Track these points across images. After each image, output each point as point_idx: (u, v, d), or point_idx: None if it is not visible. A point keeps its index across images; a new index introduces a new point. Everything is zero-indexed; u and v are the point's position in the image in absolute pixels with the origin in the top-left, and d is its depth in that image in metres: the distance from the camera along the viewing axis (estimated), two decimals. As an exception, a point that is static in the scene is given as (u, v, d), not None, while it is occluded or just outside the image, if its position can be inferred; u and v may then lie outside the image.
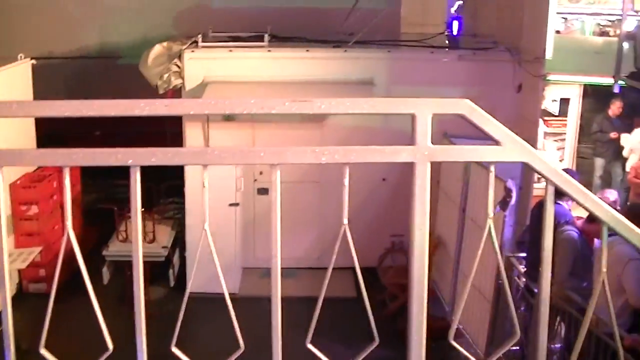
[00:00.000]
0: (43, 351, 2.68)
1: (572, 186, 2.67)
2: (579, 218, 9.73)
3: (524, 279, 10.11)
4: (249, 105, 2.43)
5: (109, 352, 2.71)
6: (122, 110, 2.47)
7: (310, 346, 2.77)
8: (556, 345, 9.36)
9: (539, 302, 2.82)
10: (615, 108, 15.47)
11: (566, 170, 9.55)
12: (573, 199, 2.73)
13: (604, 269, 2.88)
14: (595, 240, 9.30)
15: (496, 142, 2.55)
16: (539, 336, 2.81)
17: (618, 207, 9.98)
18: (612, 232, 2.79)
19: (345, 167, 2.57)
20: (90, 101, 2.45)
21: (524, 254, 10.51)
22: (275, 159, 2.49)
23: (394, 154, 2.53)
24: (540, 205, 9.75)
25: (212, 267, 2.75)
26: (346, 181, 2.59)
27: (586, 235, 9.22)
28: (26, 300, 12.53)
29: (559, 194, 2.71)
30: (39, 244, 13.24)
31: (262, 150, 2.50)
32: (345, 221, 2.62)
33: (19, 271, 13.18)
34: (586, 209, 2.75)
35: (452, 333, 2.98)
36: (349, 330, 9.64)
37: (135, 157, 2.47)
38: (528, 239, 10.40)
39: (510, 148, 2.56)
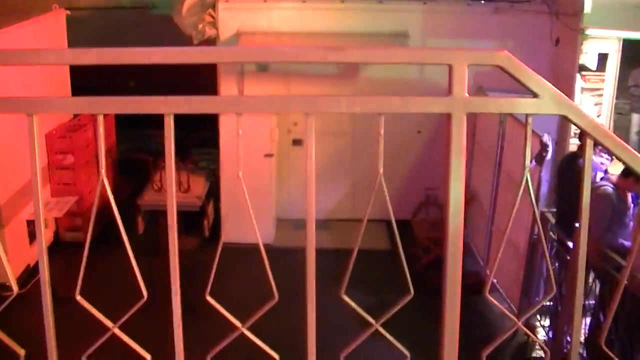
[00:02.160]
0: (79, 298, 2.70)
1: (611, 140, 2.63)
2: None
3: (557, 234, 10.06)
4: (283, 53, 2.40)
5: (143, 300, 2.73)
6: (157, 58, 2.45)
7: (344, 297, 2.77)
8: (590, 302, 9.33)
9: (575, 258, 2.79)
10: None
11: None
12: (612, 153, 2.69)
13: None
14: (630, 195, 9.25)
15: (534, 95, 2.51)
16: (576, 291, 2.78)
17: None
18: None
19: (380, 117, 2.54)
20: (124, 49, 2.43)
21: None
22: (309, 107, 2.47)
23: (430, 104, 2.50)
24: (569, 159, 9.66)
25: (246, 218, 2.74)
26: (382, 131, 2.56)
27: (621, 190, 9.15)
28: (62, 249, 12.70)
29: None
30: (75, 193, 13.37)
31: (297, 98, 2.47)
32: (381, 170, 2.60)
33: (56, 220, 13.33)
34: (624, 163, 2.71)
35: (487, 287, 2.97)
36: (382, 283, 9.66)
37: (169, 105, 2.46)
38: (557, 192, 10.34)
39: (548, 101, 2.51)
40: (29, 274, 11.40)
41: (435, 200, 13.70)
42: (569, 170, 9.91)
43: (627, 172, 8.94)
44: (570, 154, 10.90)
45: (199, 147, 15.54)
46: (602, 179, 9.50)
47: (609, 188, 9.11)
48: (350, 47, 2.41)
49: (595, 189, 9.05)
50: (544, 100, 2.51)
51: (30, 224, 12.23)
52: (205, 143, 15.19)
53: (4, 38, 11.54)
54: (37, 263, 2.61)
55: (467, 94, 2.49)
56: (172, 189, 2.58)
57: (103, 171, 2.55)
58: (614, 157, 2.87)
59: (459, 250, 2.59)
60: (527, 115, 2.59)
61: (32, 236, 12.24)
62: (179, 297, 2.66)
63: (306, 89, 13.16)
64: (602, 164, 9.59)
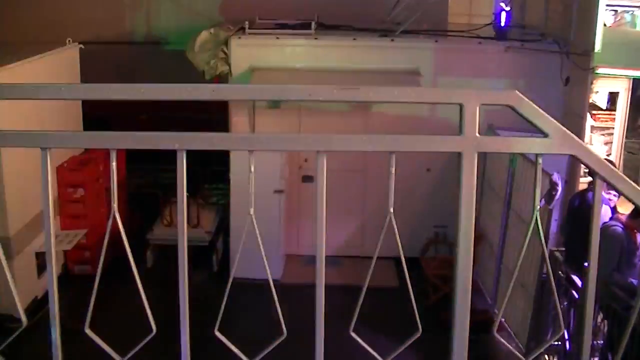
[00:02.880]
0: (88, 331, 2.71)
1: (620, 179, 2.64)
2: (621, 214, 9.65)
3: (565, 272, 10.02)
4: (297, 91, 2.42)
5: (152, 334, 2.73)
6: (169, 95, 2.48)
7: (353, 334, 2.77)
8: (599, 342, 9.27)
9: (584, 297, 2.79)
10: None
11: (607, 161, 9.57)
12: (621, 193, 2.69)
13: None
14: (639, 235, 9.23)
15: (544, 134, 2.53)
16: (584, 332, 2.78)
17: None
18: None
19: (392, 155, 2.55)
20: (139, 85, 2.46)
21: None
22: (321, 145, 2.49)
23: (441, 143, 2.52)
24: (579, 197, 9.61)
25: (255, 254, 2.75)
26: (392, 169, 2.57)
27: (630, 230, 9.13)
28: (71, 282, 12.67)
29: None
30: (85, 227, 13.38)
31: (308, 137, 2.49)
32: (391, 209, 2.61)
33: (65, 253, 13.33)
34: (633, 202, 2.71)
35: (495, 326, 2.97)
36: (390, 320, 9.61)
37: (182, 142, 2.48)
38: (566, 229, 10.31)
39: (558, 140, 2.53)
40: (37, 306, 11.38)
41: (444, 237, 13.66)
42: (578, 208, 9.89)
43: (637, 213, 8.93)
44: (580, 192, 10.88)
45: (210, 182, 15.55)
46: (611, 218, 9.48)
47: (619, 228, 9.09)
48: (362, 86, 2.43)
49: (604, 228, 9.02)
50: (554, 140, 2.52)
51: (39, 256, 12.25)
52: (216, 178, 15.21)
53: (18, 72, 11.61)
54: (44, 295, 2.62)
55: (477, 134, 2.50)
56: (183, 225, 2.59)
57: (115, 205, 2.57)
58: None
59: (468, 288, 2.59)
60: (537, 155, 2.60)
61: (40, 268, 12.25)
62: (187, 331, 2.67)
63: (318, 126, 13.18)
64: (610, 200, 9.57)
